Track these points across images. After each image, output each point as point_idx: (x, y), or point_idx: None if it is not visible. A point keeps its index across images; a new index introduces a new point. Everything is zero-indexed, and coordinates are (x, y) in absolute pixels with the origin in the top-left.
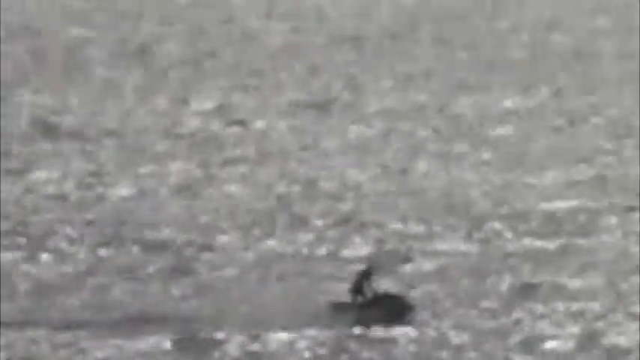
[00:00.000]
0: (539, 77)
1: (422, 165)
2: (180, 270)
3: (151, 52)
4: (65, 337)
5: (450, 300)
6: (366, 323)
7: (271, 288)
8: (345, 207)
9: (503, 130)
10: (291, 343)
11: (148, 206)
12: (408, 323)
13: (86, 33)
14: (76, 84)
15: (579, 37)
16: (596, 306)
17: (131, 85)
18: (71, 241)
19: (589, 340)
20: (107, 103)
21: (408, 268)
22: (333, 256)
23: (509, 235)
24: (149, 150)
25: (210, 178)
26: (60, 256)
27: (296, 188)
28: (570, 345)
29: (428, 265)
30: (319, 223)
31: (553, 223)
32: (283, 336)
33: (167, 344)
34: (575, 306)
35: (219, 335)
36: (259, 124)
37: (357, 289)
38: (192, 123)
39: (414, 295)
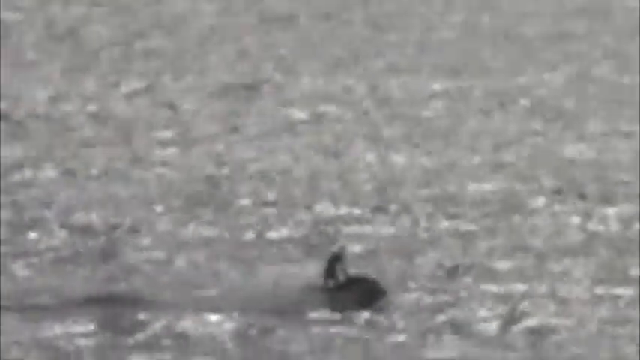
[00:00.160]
0: (468, 59)
1: (352, 148)
2: (108, 253)
3: (79, 34)
4: None
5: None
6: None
7: (200, 271)
8: (275, 190)
9: (432, 112)
10: (218, 324)
11: (75, 189)
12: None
13: (13, 16)
14: (3, 67)
15: (508, 18)
16: (523, 287)
17: (59, 67)
18: None
19: (516, 321)
20: (35, 85)
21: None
22: (260, 238)
23: (439, 216)
24: (78, 132)
25: (138, 161)
26: None
27: (225, 171)
28: (496, 326)
29: (357, 248)
30: (248, 205)
31: (482, 205)
32: (212, 317)
33: (91, 326)
34: (503, 288)
35: (145, 316)
36: (188, 106)
37: (331, 273)
38: (121, 105)
39: None
